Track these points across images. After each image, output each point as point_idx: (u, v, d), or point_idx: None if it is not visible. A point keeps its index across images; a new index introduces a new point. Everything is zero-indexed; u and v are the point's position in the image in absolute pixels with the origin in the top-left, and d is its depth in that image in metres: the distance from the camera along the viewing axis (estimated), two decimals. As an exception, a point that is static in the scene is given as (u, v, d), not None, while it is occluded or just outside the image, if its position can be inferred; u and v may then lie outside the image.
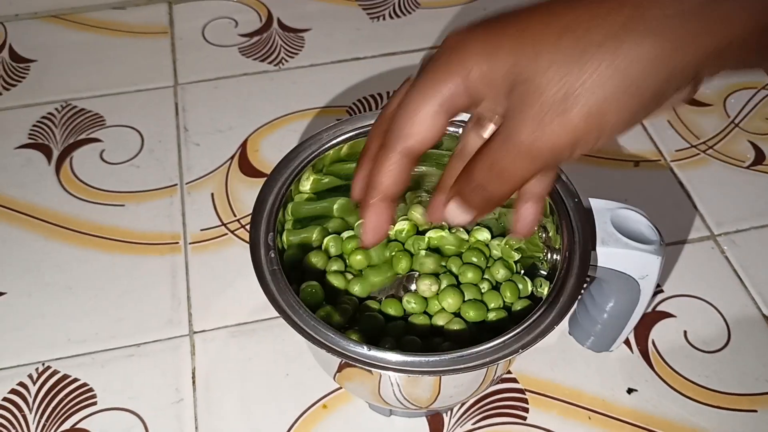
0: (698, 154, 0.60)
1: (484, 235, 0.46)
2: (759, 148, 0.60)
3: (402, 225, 0.46)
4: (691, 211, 0.56)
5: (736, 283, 0.52)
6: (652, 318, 0.50)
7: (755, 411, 0.46)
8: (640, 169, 0.59)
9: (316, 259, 0.44)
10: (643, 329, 0.49)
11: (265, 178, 0.40)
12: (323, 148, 0.41)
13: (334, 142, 0.41)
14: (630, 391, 0.47)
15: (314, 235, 0.44)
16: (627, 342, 0.49)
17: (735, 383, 0.47)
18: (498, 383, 0.47)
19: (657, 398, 0.46)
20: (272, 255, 0.36)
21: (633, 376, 0.47)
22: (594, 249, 0.37)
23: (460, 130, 0.40)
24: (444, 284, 0.43)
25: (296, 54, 0.68)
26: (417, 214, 0.46)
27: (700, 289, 0.51)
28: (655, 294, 0.51)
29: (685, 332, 0.49)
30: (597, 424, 0.45)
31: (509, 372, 0.47)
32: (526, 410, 0.46)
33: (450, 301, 0.41)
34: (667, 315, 0.50)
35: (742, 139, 0.61)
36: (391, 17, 0.71)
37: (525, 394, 0.46)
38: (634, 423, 0.45)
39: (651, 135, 0.61)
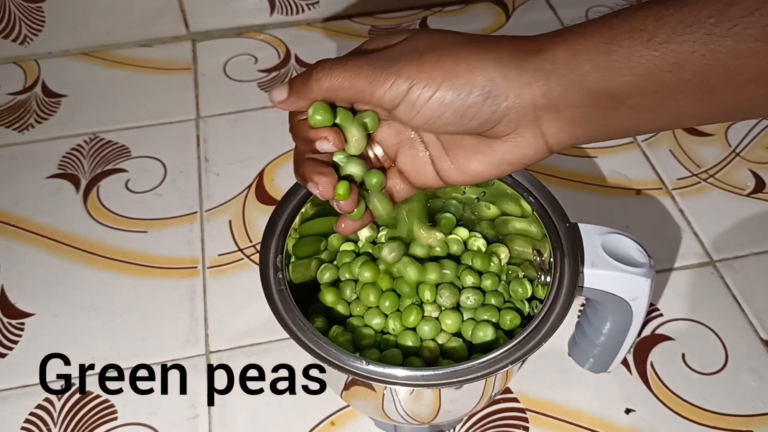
0: (699, 182, 0.61)
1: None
2: (759, 176, 0.62)
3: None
4: (691, 238, 0.57)
5: (734, 307, 0.53)
6: (650, 341, 0.51)
7: (751, 431, 0.47)
8: (642, 197, 0.60)
9: (324, 289, 0.46)
10: (641, 352, 0.51)
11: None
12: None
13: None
14: (628, 411, 0.48)
15: (323, 255, 0.47)
16: (626, 364, 0.50)
17: (731, 404, 0.48)
18: (500, 402, 0.48)
19: (654, 418, 0.48)
20: (280, 276, 0.38)
21: (631, 397, 0.49)
22: (582, 271, 0.39)
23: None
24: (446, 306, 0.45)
25: (312, 88, 0.71)
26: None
27: (698, 313, 0.53)
28: (654, 318, 0.52)
29: (683, 355, 0.51)
30: (595, 443, 0.47)
31: (510, 392, 0.49)
32: (527, 429, 0.47)
33: (449, 322, 0.43)
34: (666, 338, 0.52)
35: (742, 167, 0.63)
36: (403, 52, 0.74)
37: (526, 414, 0.48)
38: (632, 442, 0.47)
39: (653, 164, 0.63)
